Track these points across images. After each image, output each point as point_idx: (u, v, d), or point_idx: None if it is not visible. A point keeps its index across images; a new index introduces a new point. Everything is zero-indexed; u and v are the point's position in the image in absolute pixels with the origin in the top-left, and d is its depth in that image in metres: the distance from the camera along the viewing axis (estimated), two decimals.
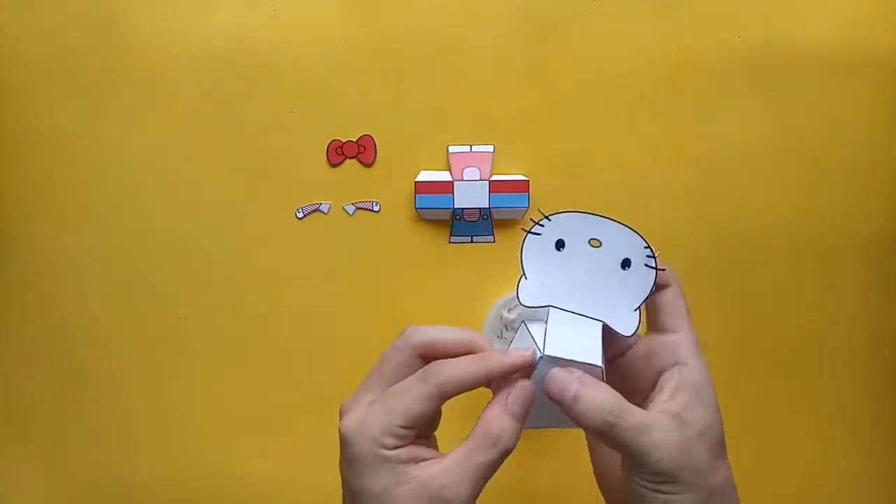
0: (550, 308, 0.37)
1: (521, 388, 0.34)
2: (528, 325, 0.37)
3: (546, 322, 0.36)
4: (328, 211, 0.56)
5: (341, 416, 0.35)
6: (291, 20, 0.55)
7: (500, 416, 0.34)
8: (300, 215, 0.56)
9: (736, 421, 0.55)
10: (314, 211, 0.56)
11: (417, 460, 0.33)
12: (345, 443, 0.34)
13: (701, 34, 0.55)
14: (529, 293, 0.37)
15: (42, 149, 0.56)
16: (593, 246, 0.38)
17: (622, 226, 0.37)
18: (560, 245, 0.38)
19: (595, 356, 0.35)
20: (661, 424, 0.33)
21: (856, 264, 0.55)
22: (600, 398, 0.33)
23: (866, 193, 0.55)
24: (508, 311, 0.54)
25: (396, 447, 0.33)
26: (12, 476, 0.58)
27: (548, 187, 0.55)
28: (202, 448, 0.57)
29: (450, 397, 0.35)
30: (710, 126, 0.55)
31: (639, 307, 0.37)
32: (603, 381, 0.34)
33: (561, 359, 0.34)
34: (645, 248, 0.37)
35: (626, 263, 0.37)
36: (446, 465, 0.33)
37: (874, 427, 0.56)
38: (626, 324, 0.37)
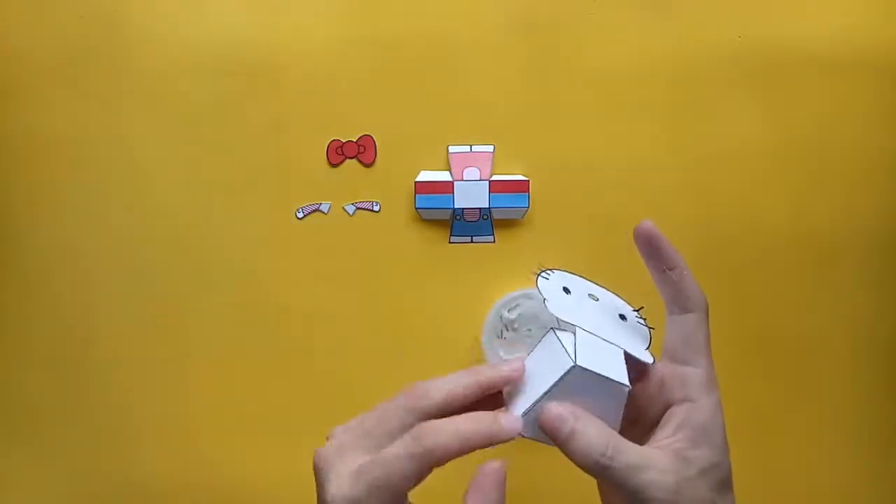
0: (577, 328, 0.36)
1: (491, 471, 0.33)
2: (558, 334, 0.36)
3: (575, 336, 0.36)
4: (328, 211, 0.56)
5: (322, 455, 0.33)
6: (291, 20, 0.55)
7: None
8: (300, 215, 0.56)
9: (734, 421, 0.55)
10: (314, 211, 0.56)
11: None
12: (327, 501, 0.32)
13: (701, 34, 0.55)
14: (558, 307, 0.37)
15: (44, 149, 0.56)
16: (592, 299, 0.39)
17: (609, 291, 0.39)
18: (567, 291, 0.38)
19: (624, 377, 0.34)
20: (655, 463, 0.33)
21: (854, 263, 0.55)
22: (594, 436, 0.32)
23: (865, 193, 0.55)
24: (508, 310, 0.54)
25: None
26: (12, 475, 0.58)
27: (548, 187, 0.55)
28: (202, 447, 0.57)
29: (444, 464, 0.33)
30: (709, 126, 0.55)
31: (647, 348, 0.37)
32: (625, 403, 0.34)
33: (592, 372, 0.33)
34: (633, 310, 0.39)
35: (622, 317, 0.38)
36: None
37: (873, 427, 0.56)
38: (644, 356, 0.37)
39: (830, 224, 0.55)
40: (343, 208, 0.56)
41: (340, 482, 0.32)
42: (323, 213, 0.56)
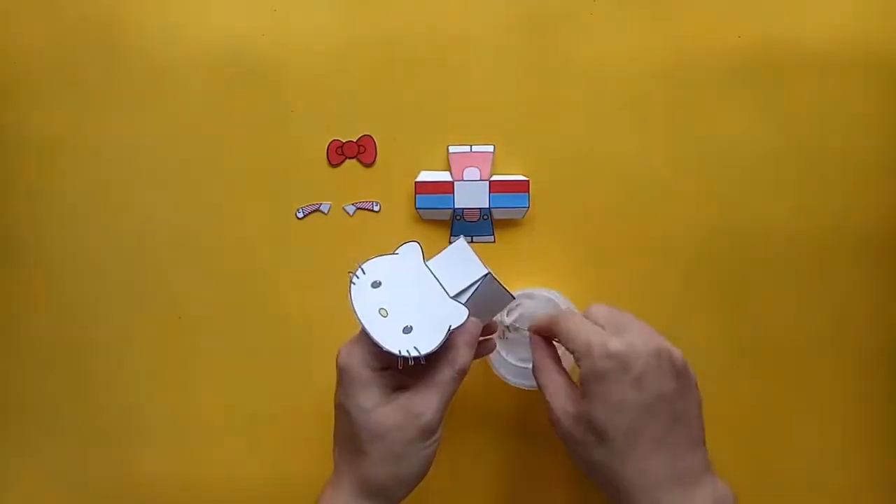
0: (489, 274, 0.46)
1: (473, 323, 0.45)
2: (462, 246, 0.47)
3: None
4: (328, 211, 0.56)
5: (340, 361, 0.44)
6: (291, 20, 0.55)
7: (456, 345, 0.44)
8: (300, 215, 0.56)
9: (734, 420, 0.55)
10: (314, 211, 0.56)
11: (401, 388, 0.44)
12: (340, 372, 0.44)
13: (701, 34, 0.55)
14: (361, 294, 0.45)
15: (44, 150, 0.56)
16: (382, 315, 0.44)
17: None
18: (376, 285, 0.45)
19: (480, 271, 0.46)
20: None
21: (855, 264, 0.55)
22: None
23: (866, 193, 0.55)
24: (508, 311, 0.54)
25: (382, 368, 0.43)
26: (11, 475, 0.58)
27: (548, 187, 0.55)
28: (201, 448, 0.57)
29: None
30: (709, 126, 0.55)
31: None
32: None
33: (497, 282, 0.46)
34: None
35: (406, 329, 0.43)
36: (418, 387, 0.43)
37: (873, 427, 0.56)
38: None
39: (830, 224, 0.55)
40: (343, 208, 0.56)
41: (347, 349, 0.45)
42: (323, 213, 0.56)
